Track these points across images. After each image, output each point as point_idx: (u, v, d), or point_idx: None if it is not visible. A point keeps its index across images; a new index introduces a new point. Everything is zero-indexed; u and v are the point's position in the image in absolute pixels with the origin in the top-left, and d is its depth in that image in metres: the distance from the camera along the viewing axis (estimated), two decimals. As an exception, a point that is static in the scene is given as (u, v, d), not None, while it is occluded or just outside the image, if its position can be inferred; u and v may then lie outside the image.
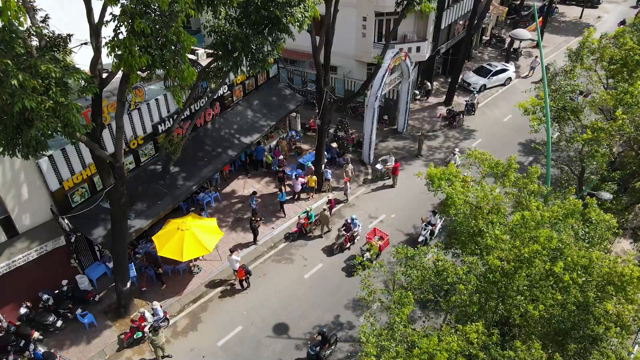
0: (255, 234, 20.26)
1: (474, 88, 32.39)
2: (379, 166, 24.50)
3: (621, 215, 17.81)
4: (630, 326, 10.75)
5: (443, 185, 13.67)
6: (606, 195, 15.65)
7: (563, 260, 10.94)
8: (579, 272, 10.86)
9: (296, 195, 22.77)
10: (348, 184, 22.76)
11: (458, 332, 10.63)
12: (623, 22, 39.41)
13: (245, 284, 18.52)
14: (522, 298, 11.11)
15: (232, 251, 18.20)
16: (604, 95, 17.32)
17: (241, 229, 21.08)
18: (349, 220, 20.40)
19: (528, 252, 10.92)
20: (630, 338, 12.56)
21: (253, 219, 19.99)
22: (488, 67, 33.37)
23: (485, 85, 32.64)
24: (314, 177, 22.52)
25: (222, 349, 16.51)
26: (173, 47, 10.62)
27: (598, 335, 10.71)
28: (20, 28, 9.15)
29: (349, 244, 20.33)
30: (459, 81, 31.37)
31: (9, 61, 8.79)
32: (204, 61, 20.17)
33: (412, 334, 11.24)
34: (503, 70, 33.20)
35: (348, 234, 20.01)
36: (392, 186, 24.15)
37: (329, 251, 20.22)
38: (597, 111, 18.80)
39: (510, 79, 33.49)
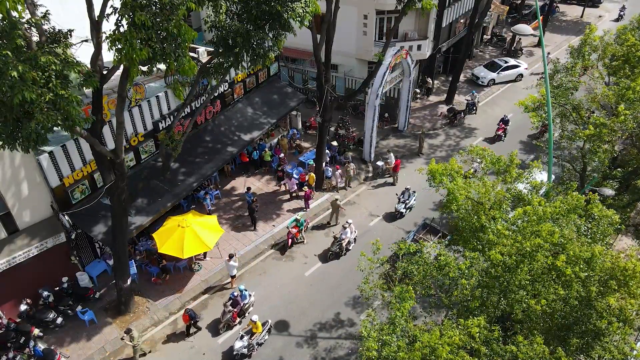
0: (254, 218, 20.38)
1: (482, 82, 32.36)
2: (379, 163, 24.45)
3: (623, 212, 17.71)
4: (633, 320, 10.68)
5: (445, 181, 13.60)
6: (608, 192, 15.57)
7: (565, 255, 10.89)
8: (581, 266, 10.80)
9: (293, 194, 22.69)
10: (338, 172, 22.78)
11: (460, 327, 10.58)
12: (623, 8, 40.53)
13: (192, 329, 16.52)
14: (524, 293, 11.05)
15: (230, 256, 17.77)
16: (605, 92, 17.26)
17: (242, 226, 21.04)
18: (236, 294, 17.07)
19: (530, 246, 10.88)
20: (633, 334, 12.46)
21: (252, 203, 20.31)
22: (499, 62, 33.33)
23: (494, 80, 32.57)
24: (313, 175, 22.44)
25: (223, 346, 16.45)
26: (174, 40, 10.59)
27: (600, 330, 10.63)
28: (20, 19, 9.13)
29: (238, 320, 17.01)
30: (469, 75, 31.19)
31: (8, 52, 8.75)
32: (205, 59, 20.14)
33: (413, 328, 11.18)
34: (515, 67, 33.12)
35: (236, 309, 16.78)
36: (392, 184, 24.12)
37: (215, 330, 16.91)
38: (599, 107, 18.74)
39: (521, 75, 33.34)
